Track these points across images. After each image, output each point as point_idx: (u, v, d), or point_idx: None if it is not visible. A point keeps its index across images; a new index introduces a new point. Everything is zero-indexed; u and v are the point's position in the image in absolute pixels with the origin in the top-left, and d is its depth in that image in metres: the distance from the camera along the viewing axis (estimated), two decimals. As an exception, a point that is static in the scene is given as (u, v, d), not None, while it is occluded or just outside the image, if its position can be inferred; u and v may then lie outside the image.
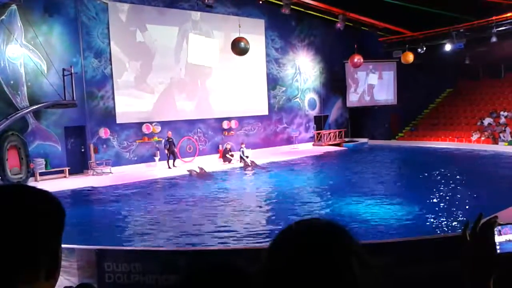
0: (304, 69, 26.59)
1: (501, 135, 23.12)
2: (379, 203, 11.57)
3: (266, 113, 24.64)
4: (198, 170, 17.41)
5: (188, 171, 17.50)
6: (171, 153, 19.21)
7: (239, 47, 17.98)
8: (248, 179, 17.30)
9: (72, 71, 16.26)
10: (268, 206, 12.35)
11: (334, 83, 27.94)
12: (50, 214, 0.97)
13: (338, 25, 22.99)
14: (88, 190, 14.97)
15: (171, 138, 19.33)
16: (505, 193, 11.21)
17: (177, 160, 19.55)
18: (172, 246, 8.30)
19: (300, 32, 26.09)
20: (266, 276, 0.80)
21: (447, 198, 12.09)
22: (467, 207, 10.59)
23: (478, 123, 25.20)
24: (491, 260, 1.07)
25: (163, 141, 19.55)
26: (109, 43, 18.48)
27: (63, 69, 16.39)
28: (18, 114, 15.35)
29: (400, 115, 28.43)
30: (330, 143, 26.51)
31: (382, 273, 0.83)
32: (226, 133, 22.50)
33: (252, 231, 9.50)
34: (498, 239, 1.08)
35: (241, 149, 19.98)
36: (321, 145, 26.11)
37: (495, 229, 1.09)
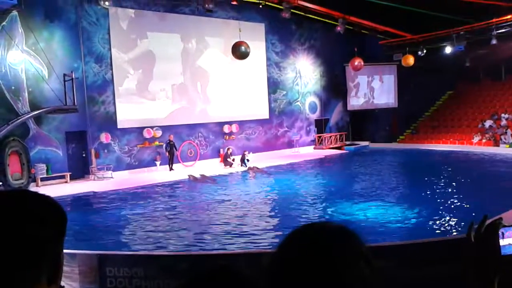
0: (305, 73, 26.61)
1: (502, 137, 23.09)
2: (382, 206, 11.55)
3: (267, 117, 24.65)
4: (198, 176, 17.38)
5: (188, 175, 17.50)
6: (171, 156, 19.31)
7: (239, 51, 18.02)
8: (249, 183, 17.28)
9: (73, 77, 16.29)
10: (270, 210, 12.33)
11: (335, 87, 27.96)
12: (52, 219, 0.97)
13: (338, 28, 23.05)
14: (89, 195, 14.96)
15: (172, 141, 19.43)
16: (509, 195, 11.19)
17: (177, 164, 19.65)
18: (173, 251, 8.29)
19: (300, 35, 26.13)
20: (275, 276, 0.80)
21: (450, 200, 12.05)
22: (470, 209, 10.56)
23: (479, 126, 25.18)
24: (495, 262, 1.07)
25: (164, 144, 19.64)
26: (109, 48, 18.53)
27: (64, 75, 16.42)
28: (19, 120, 15.37)
29: (401, 118, 28.44)
30: (331, 146, 26.50)
31: (385, 276, 0.83)
32: (227, 137, 22.50)
33: (254, 235, 9.48)
34: (501, 242, 1.08)
35: (246, 157, 19.90)
36: (322, 149, 26.11)
37: (499, 231, 1.08)
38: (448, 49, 24.20)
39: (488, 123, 24.85)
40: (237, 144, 22.34)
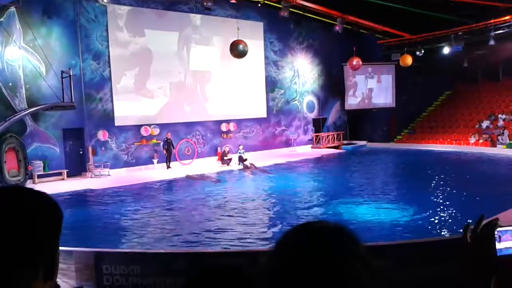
0: (303, 72, 26.61)
1: (499, 138, 23.15)
2: (378, 205, 11.57)
3: (265, 115, 24.64)
4: (196, 175, 17.38)
5: (186, 175, 17.49)
6: (168, 154, 19.31)
7: (237, 50, 18.01)
8: (247, 182, 17.29)
9: (71, 73, 16.23)
10: (267, 209, 12.33)
11: (333, 86, 27.98)
12: (48, 216, 0.96)
13: (337, 28, 23.04)
14: (86, 192, 14.94)
15: (170, 139, 19.42)
16: (505, 195, 11.22)
17: (174, 162, 19.67)
18: (171, 248, 8.28)
19: (298, 34, 26.12)
20: (272, 275, 0.80)
21: (447, 200, 12.08)
22: (467, 209, 10.58)
23: (477, 126, 25.24)
24: (491, 262, 1.07)
25: (161, 142, 19.62)
26: (108, 46, 18.48)
27: (62, 71, 16.35)
28: (17, 116, 15.32)
29: (399, 118, 28.45)
30: (329, 145, 26.52)
31: (383, 276, 0.83)
32: (225, 135, 22.50)
33: (251, 234, 9.48)
34: (497, 246, 1.08)
35: (239, 151, 20.11)
36: (320, 148, 26.13)
37: (496, 234, 1.08)
38: (446, 50, 24.25)
39: (485, 123, 24.91)
40: (235, 143, 22.32)
